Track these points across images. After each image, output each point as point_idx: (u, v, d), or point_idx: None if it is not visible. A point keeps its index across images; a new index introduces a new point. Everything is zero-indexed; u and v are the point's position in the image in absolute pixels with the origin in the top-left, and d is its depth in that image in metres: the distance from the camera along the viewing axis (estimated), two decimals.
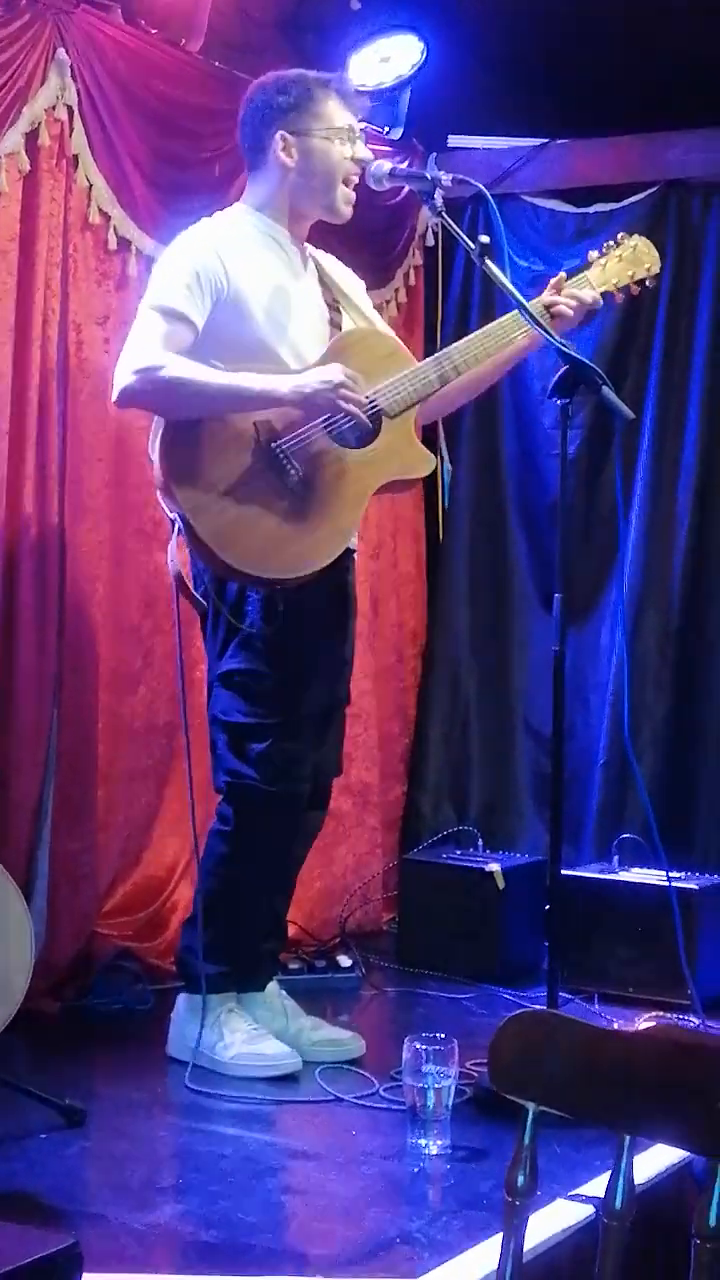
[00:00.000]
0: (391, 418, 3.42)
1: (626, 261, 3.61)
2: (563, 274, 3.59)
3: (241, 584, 3.38)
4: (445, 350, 3.55)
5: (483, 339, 3.54)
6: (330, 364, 3.31)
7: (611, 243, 3.63)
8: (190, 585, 3.40)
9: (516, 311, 3.45)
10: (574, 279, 3.58)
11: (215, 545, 3.24)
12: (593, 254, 3.63)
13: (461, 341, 3.57)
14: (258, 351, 3.38)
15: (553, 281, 3.58)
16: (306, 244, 3.60)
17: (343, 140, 3.47)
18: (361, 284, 3.78)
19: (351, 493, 3.37)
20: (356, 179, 3.50)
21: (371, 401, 3.39)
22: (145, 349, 3.26)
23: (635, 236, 3.66)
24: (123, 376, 3.27)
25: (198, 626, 3.69)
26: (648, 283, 3.65)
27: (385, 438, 3.42)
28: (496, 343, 3.53)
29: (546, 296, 3.54)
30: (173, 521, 3.31)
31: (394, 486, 3.54)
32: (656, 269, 3.64)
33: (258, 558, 3.27)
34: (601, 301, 3.59)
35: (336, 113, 3.48)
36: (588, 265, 3.61)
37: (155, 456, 3.31)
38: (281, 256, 3.50)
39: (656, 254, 3.65)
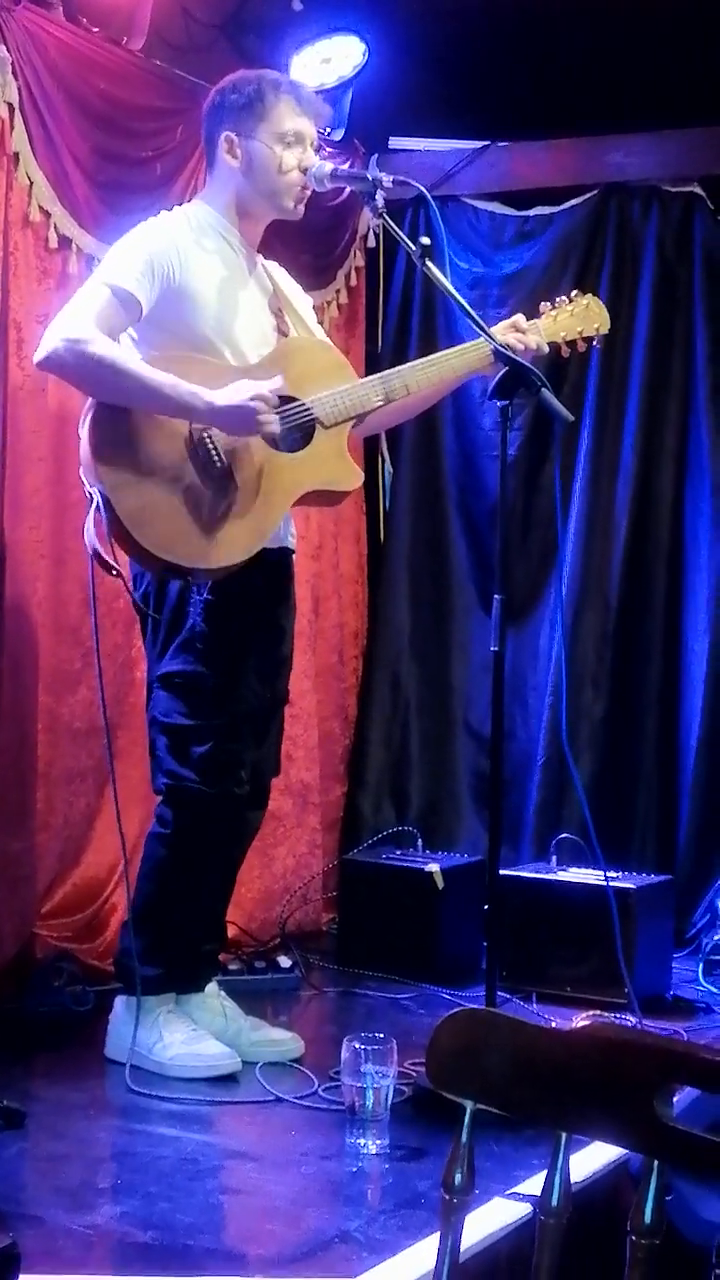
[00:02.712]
0: (326, 428, 3.42)
1: (577, 317, 3.64)
2: (521, 315, 3.62)
3: (160, 574, 3.37)
4: (391, 371, 3.56)
5: (425, 367, 3.56)
6: (243, 382, 3.27)
7: (564, 298, 3.66)
8: (104, 555, 3.35)
9: (468, 344, 3.53)
10: (527, 324, 3.60)
11: (130, 525, 3.22)
12: (545, 305, 3.65)
13: (407, 365, 3.60)
14: (199, 344, 3.39)
15: (511, 320, 3.59)
16: (259, 253, 3.60)
17: (287, 145, 3.45)
18: (309, 300, 3.80)
19: (274, 494, 3.37)
20: (306, 186, 3.48)
21: (306, 409, 3.40)
22: (83, 321, 3.24)
23: (588, 295, 3.70)
24: (52, 340, 3.24)
25: (137, 626, 3.68)
26: (595, 342, 3.69)
27: (316, 447, 3.42)
28: (439, 372, 3.55)
29: (499, 328, 3.56)
30: (90, 497, 3.30)
31: (319, 498, 3.54)
32: (605, 329, 3.69)
33: (171, 544, 3.25)
34: (546, 350, 3.60)
35: (286, 117, 3.45)
36: (539, 314, 3.63)
37: (84, 431, 3.29)
38: (232, 257, 3.50)
39: (606, 315, 3.69)
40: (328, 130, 4.92)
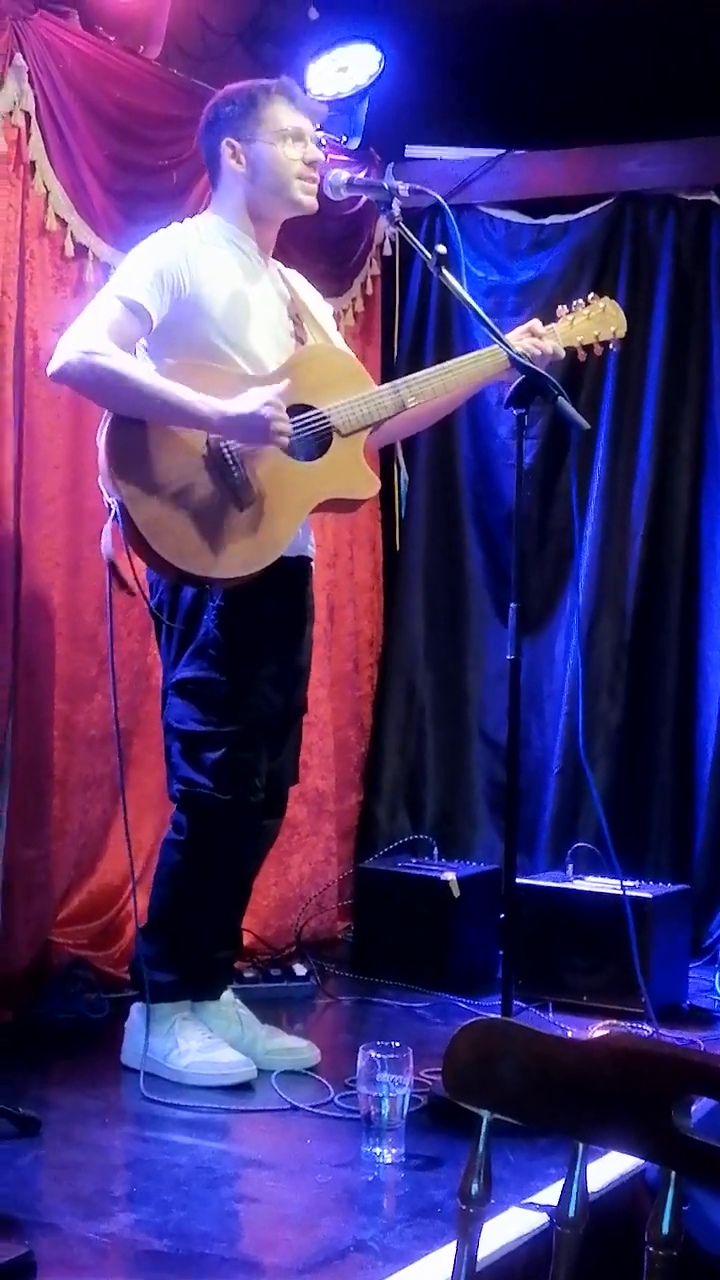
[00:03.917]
0: (343, 436, 3.42)
1: (594, 321, 3.65)
2: (538, 320, 3.62)
3: (177, 582, 3.38)
4: (406, 378, 3.58)
5: (442, 374, 3.57)
6: (255, 390, 3.28)
7: (581, 301, 3.67)
8: (122, 572, 3.37)
9: (484, 351, 3.54)
10: (543, 329, 3.60)
11: (148, 534, 3.23)
12: (562, 309, 3.66)
13: (423, 372, 3.61)
14: (211, 353, 3.40)
15: (527, 325, 3.60)
16: (276, 260, 3.61)
17: (289, 142, 3.48)
18: (328, 308, 3.81)
19: (292, 503, 3.37)
20: (313, 179, 3.50)
21: (324, 417, 3.40)
22: (96, 333, 3.26)
23: (605, 298, 3.71)
24: (66, 351, 3.26)
25: (152, 634, 3.69)
26: (611, 345, 3.69)
27: (333, 455, 3.42)
28: (456, 379, 3.56)
29: (515, 333, 3.55)
30: (108, 507, 3.30)
31: (335, 506, 3.55)
32: (622, 333, 3.69)
33: (188, 554, 3.26)
34: (563, 354, 3.61)
35: (282, 115, 3.49)
36: (556, 318, 3.64)
37: (101, 441, 3.30)
38: (247, 265, 3.51)
39: (623, 317, 3.70)
40: (344, 139, 4.94)
